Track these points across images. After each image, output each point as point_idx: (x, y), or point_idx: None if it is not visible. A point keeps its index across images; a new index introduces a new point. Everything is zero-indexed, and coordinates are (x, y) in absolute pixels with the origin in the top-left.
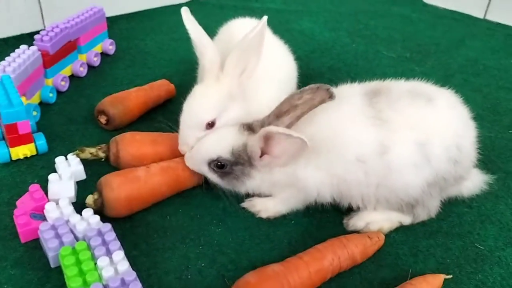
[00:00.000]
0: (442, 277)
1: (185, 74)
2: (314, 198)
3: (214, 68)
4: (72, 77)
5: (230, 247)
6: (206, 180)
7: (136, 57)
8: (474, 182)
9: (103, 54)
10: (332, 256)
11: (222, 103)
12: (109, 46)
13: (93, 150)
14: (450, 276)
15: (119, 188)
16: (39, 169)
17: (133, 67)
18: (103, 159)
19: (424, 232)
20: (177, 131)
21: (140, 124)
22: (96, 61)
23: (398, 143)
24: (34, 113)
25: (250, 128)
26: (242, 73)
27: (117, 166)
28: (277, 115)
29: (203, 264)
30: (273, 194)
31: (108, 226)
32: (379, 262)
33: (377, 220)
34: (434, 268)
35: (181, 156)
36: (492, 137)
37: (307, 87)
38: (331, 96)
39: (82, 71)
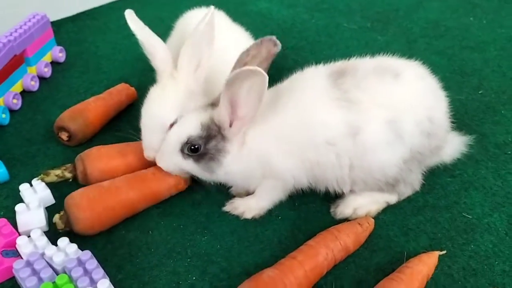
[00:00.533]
0: (436, 254)
1: (143, 73)
2: (292, 185)
3: (167, 67)
4: (24, 93)
5: (219, 254)
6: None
7: (89, 62)
8: (453, 146)
9: (54, 63)
10: (326, 250)
11: (181, 102)
12: (58, 53)
13: (58, 171)
14: (444, 252)
15: (83, 203)
16: (3, 199)
17: (88, 73)
18: (70, 180)
19: (411, 209)
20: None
21: (104, 135)
22: (47, 72)
23: (369, 123)
24: None
25: (211, 104)
26: (197, 68)
27: (86, 184)
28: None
29: (194, 278)
30: (252, 189)
31: (88, 253)
32: (371, 247)
33: (364, 204)
34: (426, 245)
35: (152, 165)
36: (463, 99)
37: (251, 44)
38: (276, 45)
39: (34, 85)
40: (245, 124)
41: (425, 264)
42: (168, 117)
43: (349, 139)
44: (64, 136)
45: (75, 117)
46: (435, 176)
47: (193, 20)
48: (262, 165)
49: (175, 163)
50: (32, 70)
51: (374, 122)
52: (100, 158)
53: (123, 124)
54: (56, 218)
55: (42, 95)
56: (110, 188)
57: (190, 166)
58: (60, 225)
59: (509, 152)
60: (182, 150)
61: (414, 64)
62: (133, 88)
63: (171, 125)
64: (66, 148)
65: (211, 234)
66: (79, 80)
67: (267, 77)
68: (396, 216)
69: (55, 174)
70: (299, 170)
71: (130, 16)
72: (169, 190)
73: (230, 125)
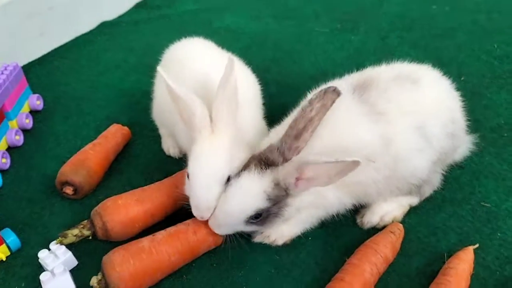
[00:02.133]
0: (471, 249)
1: (130, 108)
2: (337, 210)
3: (207, 122)
4: (10, 150)
5: (261, 287)
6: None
7: (69, 106)
8: (465, 144)
9: (33, 113)
10: (370, 266)
11: (231, 154)
12: (36, 102)
13: (76, 231)
14: (477, 245)
15: (122, 265)
16: (19, 269)
17: (71, 118)
18: (90, 237)
19: (432, 207)
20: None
21: (108, 181)
22: (29, 123)
23: (399, 132)
24: None
25: (268, 163)
26: (235, 119)
27: (107, 239)
28: (296, 135)
29: None
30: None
31: None
32: (406, 252)
33: (390, 210)
34: (456, 240)
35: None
36: None
37: (313, 96)
38: (339, 94)
39: (19, 139)
40: (314, 185)
41: (465, 261)
42: (224, 171)
43: (385, 151)
44: (69, 190)
45: (78, 169)
46: (447, 170)
47: (183, 51)
48: (316, 197)
49: (235, 229)
50: (14, 124)
51: (404, 130)
52: (118, 211)
53: (123, 166)
54: (94, 281)
55: (29, 148)
56: (151, 252)
57: (251, 228)
58: None
59: (505, 135)
60: (246, 221)
61: (428, 68)
62: (126, 128)
63: (228, 180)
64: (72, 202)
65: (247, 268)
66: (64, 126)
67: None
68: (420, 217)
69: (73, 235)
70: (345, 195)
71: (166, 73)
72: (208, 247)
73: (295, 183)
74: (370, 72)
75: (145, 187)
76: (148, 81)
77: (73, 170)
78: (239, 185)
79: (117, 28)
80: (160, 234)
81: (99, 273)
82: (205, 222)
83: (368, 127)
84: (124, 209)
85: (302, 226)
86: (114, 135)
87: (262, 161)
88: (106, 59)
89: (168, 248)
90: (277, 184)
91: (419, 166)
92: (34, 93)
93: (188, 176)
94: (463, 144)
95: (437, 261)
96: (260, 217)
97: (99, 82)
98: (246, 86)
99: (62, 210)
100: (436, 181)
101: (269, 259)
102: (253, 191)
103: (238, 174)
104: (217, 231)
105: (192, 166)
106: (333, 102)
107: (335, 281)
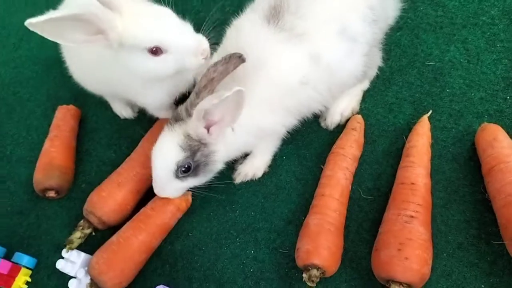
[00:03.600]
0: (425, 118)
1: (64, 78)
2: (285, 131)
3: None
4: None
5: (257, 219)
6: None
7: (6, 97)
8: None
9: None
10: (343, 172)
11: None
12: None
13: (78, 234)
14: (430, 112)
15: (99, 263)
16: (47, 281)
17: (14, 112)
18: (93, 233)
19: (383, 83)
20: None
21: (83, 167)
22: None
23: (324, 46)
24: None
25: (176, 119)
26: None
27: (108, 228)
28: (197, 92)
29: (252, 251)
30: (249, 150)
31: None
32: (370, 139)
33: (347, 104)
34: (412, 110)
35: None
36: None
37: (219, 59)
38: (244, 61)
39: None
40: (224, 126)
41: (423, 134)
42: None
43: (316, 68)
44: (52, 194)
45: (49, 173)
46: (386, 35)
47: None
48: (255, 134)
49: (176, 188)
50: None
51: (328, 41)
52: (106, 202)
53: (89, 146)
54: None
55: None
56: (119, 242)
57: (192, 182)
58: None
59: None
60: (176, 176)
61: None
62: (72, 107)
63: None
64: (60, 201)
65: (240, 207)
66: (11, 123)
67: (244, 91)
68: (375, 97)
69: (77, 238)
70: (287, 118)
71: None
72: (174, 216)
73: (208, 131)
74: None
75: (118, 169)
76: None
77: (46, 176)
78: (156, 146)
79: None
80: (124, 227)
81: (90, 280)
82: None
83: (293, 52)
84: (110, 198)
85: (270, 152)
86: (65, 120)
87: (172, 118)
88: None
89: (133, 232)
90: (188, 136)
91: (353, 66)
92: None
93: None
94: (391, 12)
95: (399, 138)
96: (191, 170)
97: (19, 59)
98: None
99: (55, 212)
100: (378, 60)
101: (256, 192)
102: (167, 146)
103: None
104: (163, 194)
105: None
106: (236, 67)
107: (317, 198)
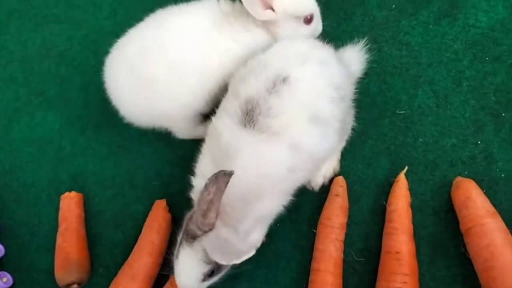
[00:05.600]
0: (402, 176)
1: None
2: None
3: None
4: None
5: None
6: None
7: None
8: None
9: None
10: (333, 244)
11: None
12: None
13: None
14: (406, 169)
15: None
16: None
17: (21, 202)
18: None
19: (359, 137)
20: None
21: (97, 251)
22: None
23: (300, 137)
24: None
25: (191, 237)
26: None
27: None
28: (203, 215)
29: None
30: None
31: None
32: (355, 199)
33: (328, 167)
34: (389, 163)
35: None
36: None
37: (207, 182)
38: (231, 174)
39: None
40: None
41: (401, 196)
42: None
43: (299, 156)
44: (75, 286)
45: (67, 270)
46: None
47: None
48: (261, 223)
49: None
50: None
51: (303, 132)
52: None
53: (98, 227)
54: None
55: (11, 252)
56: None
57: (215, 279)
58: None
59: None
60: (202, 281)
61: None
62: (74, 193)
63: None
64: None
65: (246, 281)
66: (20, 212)
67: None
68: (353, 153)
69: None
70: (280, 200)
71: None
72: None
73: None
74: (245, 89)
75: (129, 259)
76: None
77: (66, 273)
78: (179, 264)
79: None
80: None
81: None
82: None
83: (275, 148)
84: None
85: (265, 227)
86: (71, 210)
87: (189, 234)
88: None
89: None
90: (205, 251)
91: (331, 144)
92: None
93: None
94: (355, 64)
95: (380, 195)
96: (214, 272)
97: (14, 142)
98: None
99: None
100: (351, 121)
101: (258, 261)
102: (191, 264)
103: (177, 253)
104: None
105: None
106: (227, 183)
107: (313, 273)
